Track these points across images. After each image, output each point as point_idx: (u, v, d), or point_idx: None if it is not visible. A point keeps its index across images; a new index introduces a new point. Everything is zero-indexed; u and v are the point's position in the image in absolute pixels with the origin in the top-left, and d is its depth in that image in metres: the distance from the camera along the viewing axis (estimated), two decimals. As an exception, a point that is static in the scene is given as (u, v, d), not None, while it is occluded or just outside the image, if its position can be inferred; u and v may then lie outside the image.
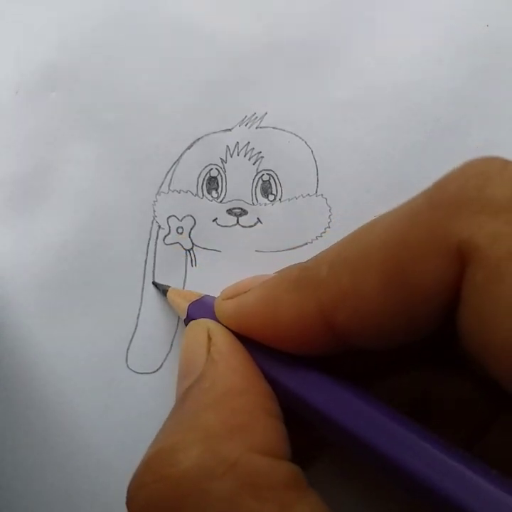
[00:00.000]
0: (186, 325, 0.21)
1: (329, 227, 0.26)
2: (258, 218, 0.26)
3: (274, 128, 0.27)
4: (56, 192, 0.27)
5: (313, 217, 0.26)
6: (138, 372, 0.25)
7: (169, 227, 0.26)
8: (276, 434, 0.15)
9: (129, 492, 0.16)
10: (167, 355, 0.25)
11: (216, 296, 0.20)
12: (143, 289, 0.26)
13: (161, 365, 0.25)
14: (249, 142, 0.26)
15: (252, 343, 0.17)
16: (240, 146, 0.26)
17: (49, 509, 0.25)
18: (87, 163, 0.27)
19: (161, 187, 0.26)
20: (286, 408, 0.17)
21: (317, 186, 0.26)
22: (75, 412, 0.25)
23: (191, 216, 0.26)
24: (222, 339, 0.18)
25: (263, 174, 0.26)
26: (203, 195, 0.26)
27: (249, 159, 0.26)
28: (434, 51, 0.27)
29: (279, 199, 0.26)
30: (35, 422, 0.25)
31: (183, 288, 0.26)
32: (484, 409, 0.15)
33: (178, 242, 0.26)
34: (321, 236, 0.26)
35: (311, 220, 0.26)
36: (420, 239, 0.14)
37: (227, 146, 0.26)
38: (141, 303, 0.26)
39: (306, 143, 0.26)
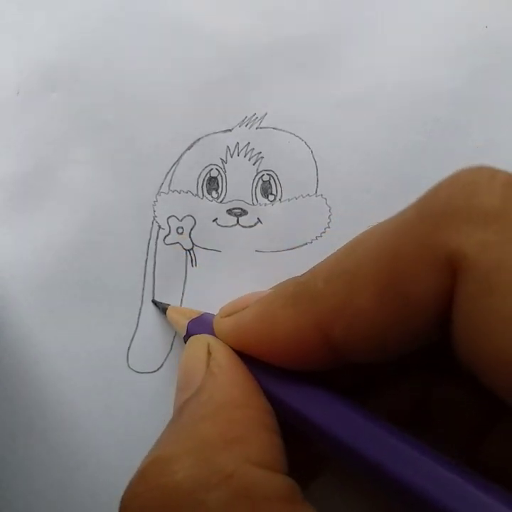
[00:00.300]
0: (185, 342, 0.21)
1: (329, 227, 0.26)
2: (258, 218, 0.26)
3: (274, 128, 0.27)
4: (56, 192, 0.27)
5: (313, 217, 0.26)
6: (138, 372, 0.25)
7: (169, 227, 0.26)
8: (272, 448, 0.15)
9: (122, 501, 0.15)
10: (168, 354, 0.26)
11: (215, 313, 0.20)
12: (143, 289, 0.26)
13: (162, 365, 0.26)
14: (249, 142, 0.26)
15: (251, 359, 0.18)
16: (240, 146, 0.26)
17: (49, 508, 0.25)
18: (87, 163, 0.27)
19: (161, 187, 0.26)
20: (286, 424, 0.17)
21: (317, 186, 0.26)
22: (75, 411, 0.25)
23: (191, 216, 0.26)
24: (222, 354, 0.18)
25: (263, 174, 0.26)
26: (203, 195, 0.26)
27: (250, 159, 0.26)
28: (434, 51, 0.27)
29: (279, 199, 0.26)
30: (36, 421, 0.25)
31: (184, 287, 0.26)
32: (484, 413, 0.15)
33: (178, 242, 0.26)
34: (321, 236, 0.26)
35: (311, 220, 0.26)
36: (411, 250, 0.14)
37: (228, 147, 0.26)
38: (141, 303, 0.26)
39: (306, 143, 0.26)
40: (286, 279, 0.19)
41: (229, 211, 0.26)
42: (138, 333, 0.26)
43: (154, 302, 0.26)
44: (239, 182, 0.26)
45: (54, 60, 0.28)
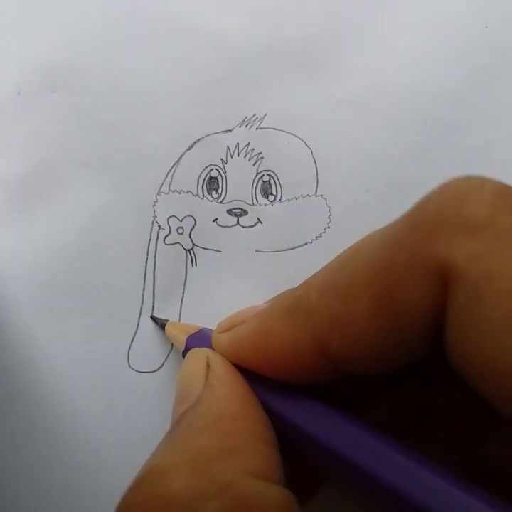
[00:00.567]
0: (184, 357, 0.21)
1: (329, 227, 0.26)
2: (258, 218, 0.26)
3: (274, 129, 0.27)
4: (57, 192, 0.27)
5: (313, 218, 0.26)
6: (139, 372, 0.26)
7: (169, 227, 0.26)
8: (270, 460, 0.15)
9: (117, 511, 0.15)
10: (168, 354, 0.26)
11: (214, 320, 0.20)
12: (143, 289, 0.26)
13: (162, 364, 0.26)
14: (249, 143, 0.26)
15: (249, 372, 0.18)
16: (240, 146, 0.26)
17: (50, 508, 0.25)
18: (87, 163, 0.27)
19: (161, 187, 0.26)
20: (285, 438, 0.17)
21: (317, 186, 0.26)
22: (76, 410, 0.25)
23: (191, 216, 0.26)
24: (221, 366, 0.18)
25: (263, 175, 0.26)
26: (203, 195, 0.26)
27: (250, 160, 0.26)
28: (434, 51, 0.27)
29: (279, 199, 0.26)
30: (37, 421, 0.25)
31: (184, 287, 0.26)
32: (483, 415, 0.15)
33: (178, 243, 0.26)
34: (321, 236, 0.26)
35: (311, 220, 0.26)
36: (403, 261, 0.14)
37: (228, 147, 0.27)
38: (142, 302, 0.26)
39: (305, 143, 0.26)
40: (284, 290, 0.19)
41: (229, 211, 0.26)
42: (138, 333, 0.26)
43: (153, 318, 0.26)
44: (239, 182, 0.26)
45: (54, 60, 0.28)
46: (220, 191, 0.26)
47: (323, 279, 0.16)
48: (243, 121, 0.27)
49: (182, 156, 0.27)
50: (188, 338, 0.22)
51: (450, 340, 0.14)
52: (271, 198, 0.26)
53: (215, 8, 0.28)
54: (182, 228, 0.26)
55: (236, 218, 0.26)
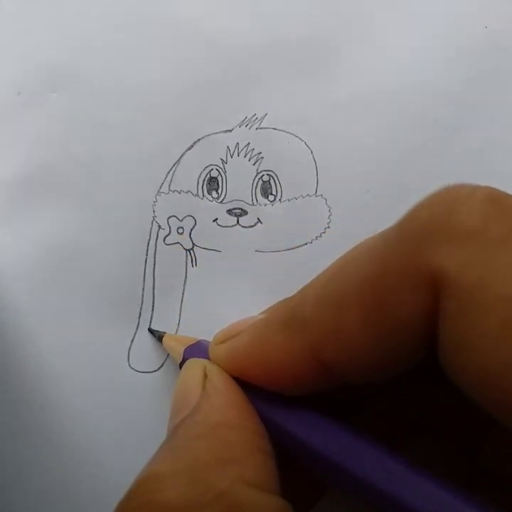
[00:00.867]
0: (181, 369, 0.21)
1: (329, 227, 0.26)
2: (258, 218, 0.26)
3: (274, 129, 0.27)
4: (56, 192, 0.27)
5: (313, 218, 0.26)
6: (139, 372, 0.26)
7: (169, 227, 0.26)
8: (265, 469, 0.15)
9: None
10: (168, 354, 0.26)
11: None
12: (143, 289, 0.26)
13: (163, 364, 0.26)
14: (249, 143, 0.26)
15: (246, 383, 0.18)
16: (240, 146, 0.26)
17: (50, 508, 0.25)
18: (87, 163, 0.27)
19: (161, 187, 0.27)
20: (284, 448, 0.17)
21: (317, 186, 0.26)
22: (76, 411, 0.25)
23: (191, 216, 0.26)
24: (218, 376, 0.18)
25: (263, 175, 0.26)
26: (203, 195, 0.26)
27: (250, 160, 0.26)
28: (433, 52, 0.27)
29: (279, 199, 0.26)
30: (37, 420, 0.25)
31: (184, 287, 0.26)
32: (482, 416, 0.15)
33: (178, 242, 0.26)
34: (321, 236, 0.26)
35: (311, 220, 0.26)
36: (395, 271, 0.14)
37: (228, 147, 0.27)
38: (142, 302, 0.26)
39: (306, 143, 0.26)
40: (280, 300, 0.19)
41: (229, 211, 0.26)
42: (138, 333, 0.26)
43: (150, 330, 0.26)
44: (239, 182, 0.26)
45: (54, 60, 0.28)
46: (220, 191, 0.26)
47: (317, 290, 0.16)
48: (243, 121, 0.27)
49: (182, 156, 0.27)
50: (185, 350, 0.22)
51: (442, 349, 0.14)
52: (271, 198, 0.26)
53: (215, 8, 0.28)
54: (182, 228, 0.26)
55: (236, 218, 0.26)
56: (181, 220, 0.26)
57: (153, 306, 0.26)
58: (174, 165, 0.27)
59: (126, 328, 0.26)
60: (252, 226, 0.26)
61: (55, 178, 0.27)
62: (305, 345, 0.16)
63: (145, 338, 0.26)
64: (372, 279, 0.15)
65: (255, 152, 0.26)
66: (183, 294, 0.26)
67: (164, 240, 0.26)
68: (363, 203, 0.26)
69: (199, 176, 0.26)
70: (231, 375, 0.18)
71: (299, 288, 0.18)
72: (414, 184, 0.26)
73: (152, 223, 0.26)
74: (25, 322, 0.26)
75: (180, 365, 0.21)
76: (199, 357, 0.20)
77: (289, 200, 0.26)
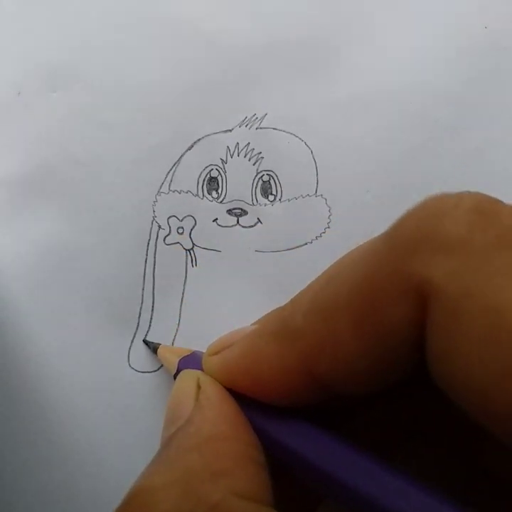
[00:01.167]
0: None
1: (329, 227, 0.26)
2: (258, 218, 0.26)
3: (274, 129, 0.27)
4: (56, 192, 0.27)
5: (313, 218, 0.26)
6: (139, 371, 0.26)
7: (169, 227, 0.26)
8: (259, 481, 0.15)
9: None
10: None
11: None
12: (143, 289, 0.26)
13: (163, 364, 0.26)
14: (249, 143, 0.26)
15: (240, 395, 0.18)
16: (240, 146, 0.26)
17: (50, 507, 0.25)
18: (86, 163, 0.27)
19: (161, 187, 0.27)
20: (279, 460, 0.17)
21: (317, 186, 0.26)
22: (76, 410, 0.25)
23: (191, 216, 0.26)
24: (211, 388, 0.18)
25: (263, 175, 0.26)
26: (203, 195, 0.26)
27: (250, 160, 0.26)
28: (433, 52, 0.27)
29: (279, 199, 0.26)
30: (37, 420, 0.25)
31: (184, 287, 0.26)
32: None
33: (178, 242, 0.26)
34: (321, 236, 0.26)
35: (311, 220, 0.26)
36: (383, 281, 0.14)
37: (228, 147, 0.27)
38: (141, 302, 0.26)
39: (305, 143, 0.26)
40: (272, 309, 0.19)
41: (229, 211, 0.26)
42: (138, 333, 0.26)
43: (145, 342, 0.26)
44: (239, 182, 0.26)
45: (54, 60, 0.28)
46: (220, 191, 0.26)
47: (308, 300, 0.16)
48: (243, 121, 0.27)
49: (182, 156, 0.27)
50: (179, 361, 0.22)
51: (430, 357, 0.14)
52: (271, 198, 0.26)
53: (215, 8, 0.28)
54: (182, 228, 0.26)
55: (236, 218, 0.26)
56: (181, 220, 0.26)
57: (153, 306, 0.26)
58: (174, 165, 0.27)
59: (126, 328, 0.26)
60: (252, 226, 0.26)
61: (55, 178, 0.27)
62: (296, 356, 0.16)
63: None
64: (362, 289, 0.15)
65: (255, 152, 0.26)
66: (183, 294, 0.26)
67: (164, 240, 0.26)
68: (363, 203, 0.26)
69: (199, 176, 0.26)
70: (224, 387, 0.18)
71: (299, 288, 0.18)
72: (414, 184, 0.26)
73: (152, 223, 0.26)
74: (25, 322, 0.26)
75: (175, 377, 0.21)
76: (193, 368, 0.20)
77: (289, 200, 0.26)
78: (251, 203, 0.26)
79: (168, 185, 0.26)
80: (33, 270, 0.26)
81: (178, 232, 0.26)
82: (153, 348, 0.25)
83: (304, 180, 0.26)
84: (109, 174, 0.27)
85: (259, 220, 0.26)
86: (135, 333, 0.26)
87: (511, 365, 0.12)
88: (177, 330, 0.26)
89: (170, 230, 0.26)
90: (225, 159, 0.26)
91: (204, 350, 0.20)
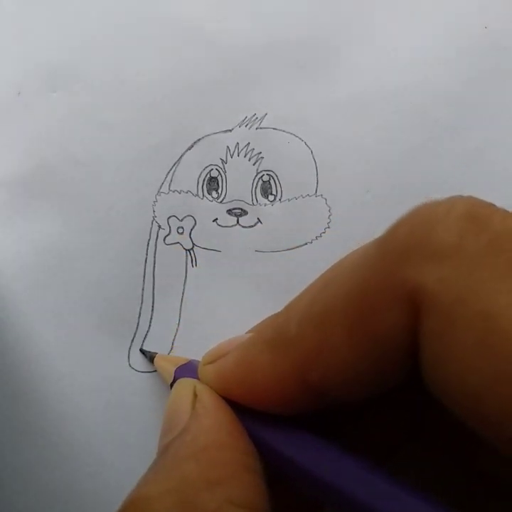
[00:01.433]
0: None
1: (329, 227, 0.26)
2: (258, 218, 0.26)
3: (274, 129, 0.27)
4: (56, 192, 0.27)
5: (313, 218, 0.26)
6: (139, 371, 0.26)
7: (169, 227, 0.26)
8: (255, 489, 0.15)
9: None
10: (169, 353, 0.26)
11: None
12: (143, 289, 0.26)
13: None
14: (249, 143, 0.26)
15: (237, 404, 0.18)
16: (240, 146, 0.26)
17: (50, 508, 0.25)
18: (87, 163, 0.27)
19: (161, 187, 0.27)
20: (277, 469, 0.17)
21: (317, 186, 0.26)
22: (76, 410, 0.25)
23: (191, 216, 0.26)
24: (208, 396, 0.18)
25: (263, 174, 0.26)
26: (203, 195, 0.26)
27: (250, 160, 0.26)
28: (433, 52, 0.27)
29: (279, 199, 0.26)
30: (37, 420, 0.25)
31: (184, 287, 0.26)
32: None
33: (178, 242, 0.26)
34: (321, 236, 0.26)
35: (311, 220, 0.26)
36: (375, 288, 0.14)
37: (228, 147, 0.27)
38: (141, 302, 0.26)
39: (305, 143, 0.26)
40: (266, 319, 0.19)
41: (229, 211, 0.26)
42: (138, 333, 0.26)
43: (142, 351, 0.26)
44: (239, 182, 0.26)
45: (54, 60, 0.28)
46: (220, 191, 0.26)
47: (301, 309, 0.16)
48: (243, 121, 0.27)
49: (182, 156, 0.27)
50: (176, 370, 0.22)
51: (424, 366, 0.14)
52: (271, 198, 0.26)
53: (215, 8, 0.28)
54: (182, 228, 0.26)
55: (236, 218, 0.26)
56: (181, 220, 0.26)
57: (153, 306, 0.26)
58: (174, 165, 0.27)
59: (126, 328, 0.26)
60: (252, 226, 0.26)
61: (55, 178, 0.27)
62: (290, 365, 0.16)
63: (145, 338, 0.26)
64: (355, 297, 0.15)
65: (255, 152, 0.26)
66: (183, 294, 0.26)
67: (164, 240, 0.26)
68: (363, 203, 0.26)
69: (199, 176, 0.26)
70: (220, 395, 0.18)
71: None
72: (414, 184, 0.26)
73: (152, 223, 0.26)
74: (25, 322, 0.26)
75: (171, 386, 0.21)
76: (190, 377, 0.20)
77: (289, 200, 0.26)
78: (251, 203, 0.26)
79: (168, 185, 0.26)
80: (33, 270, 0.26)
81: (178, 232, 0.26)
82: (149, 357, 0.25)
83: (304, 180, 0.26)
84: (109, 174, 0.27)
85: (259, 220, 0.26)
86: (135, 333, 0.26)
87: (503, 369, 0.12)
88: (177, 330, 0.26)
89: (170, 230, 0.26)
90: (225, 159, 0.26)
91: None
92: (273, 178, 0.26)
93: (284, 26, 0.27)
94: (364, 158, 0.26)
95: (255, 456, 0.17)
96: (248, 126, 0.27)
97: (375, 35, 0.27)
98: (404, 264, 0.14)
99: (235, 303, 0.26)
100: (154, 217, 0.26)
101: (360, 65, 0.27)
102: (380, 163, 0.26)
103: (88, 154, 0.27)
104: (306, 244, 0.26)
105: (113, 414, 0.25)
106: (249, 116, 0.27)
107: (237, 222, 0.26)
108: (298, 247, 0.26)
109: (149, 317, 0.26)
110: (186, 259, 0.26)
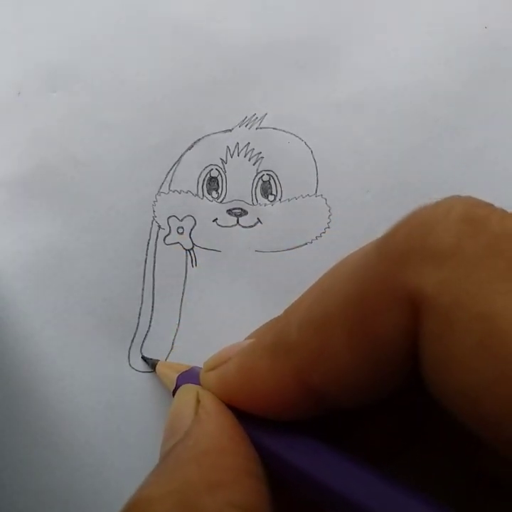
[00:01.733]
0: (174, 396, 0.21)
1: (329, 227, 0.26)
2: (258, 218, 0.26)
3: (274, 128, 0.27)
4: (56, 192, 0.27)
5: (313, 217, 0.26)
6: (139, 371, 0.26)
7: (169, 227, 0.26)
8: (256, 494, 0.15)
9: None
10: (168, 353, 0.26)
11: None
12: (143, 289, 0.26)
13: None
14: (249, 143, 0.26)
15: (239, 410, 0.18)
16: (240, 146, 0.26)
17: (50, 508, 0.25)
18: (87, 163, 0.27)
19: (161, 187, 0.27)
20: (278, 474, 0.17)
21: (317, 186, 0.26)
22: (76, 410, 0.25)
23: (191, 216, 0.26)
24: (210, 402, 0.18)
25: (263, 174, 0.26)
26: (203, 195, 0.26)
27: (250, 160, 0.26)
28: (433, 52, 0.27)
29: (279, 199, 0.26)
30: (37, 420, 0.25)
31: (184, 287, 0.26)
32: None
33: (178, 242, 0.26)
34: (321, 236, 0.26)
35: (311, 220, 0.26)
36: (374, 291, 0.14)
37: (228, 147, 0.27)
38: (141, 302, 0.26)
39: (305, 143, 0.26)
40: (266, 323, 0.19)
41: (229, 211, 0.26)
42: (138, 333, 0.26)
43: (143, 358, 0.26)
44: (239, 182, 0.26)
45: (54, 60, 0.28)
46: (220, 191, 0.26)
47: (301, 313, 0.16)
48: (243, 121, 0.27)
49: (182, 156, 0.27)
50: (178, 377, 0.22)
51: (424, 368, 0.14)
52: (271, 198, 0.26)
53: (215, 8, 0.28)
54: (182, 228, 0.26)
55: (236, 218, 0.26)
56: (181, 220, 0.26)
57: (153, 306, 0.26)
58: (174, 165, 0.27)
59: (126, 328, 0.26)
60: (252, 226, 0.26)
61: (55, 178, 0.27)
62: (291, 371, 0.16)
63: (145, 338, 0.26)
64: (354, 301, 0.15)
65: (255, 152, 0.26)
66: (183, 294, 0.26)
67: (164, 240, 0.26)
68: (363, 203, 0.26)
69: (199, 176, 0.26)
70: (223, 401, 0.18)
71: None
72: (414, 184, 0.26)
73: (152, 223, 0.26)
74: (25, 322, 0.26)
75: (174, 393, 0.21)
76: (192, 383, 0.20)
77: (289, 200, 0.26)
78: (251, 203, 0.26)
79: (168, 185, 0.26)
80: (33, 270, 0.26)
81: (178, 232, 0.26)
82: (151, 364, 0.25)
83: (304, 180, 0.26)
84: (109, 174, 0.27)
85: (259, 220, 0.26)
86: (135, 333, 0.26)
87: (502, 370, 0.12)
88: (177, 330, 0.26)
89: (170, 230, 0.26)
90: (225, 159, 0.26)
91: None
92: (273, 178, 0.26)
93: (284, 26, 0.27)
94: (364, 158, 0.26)
95: (257, 461, 0.17)
96: (248, 126, 0.27)
97: (375, 35, 0.27)
98: (403, 267, 0.14)
99: (234, 303, 0.26)
100: (154, 217, 0.26)
101: (360, 65, 0.27)
102: (380, 163, 0.26)
103: (88, 154, 0.27)
104: (306, 244, 0.26)
105: (113, 414, 0.25)
106: (249, 116, 0.27)
107: (237, 222, 0.26)
108: (298, 247, 0.26)
109: (149, 317, 0.26)
110: (186, 259, 0.26)
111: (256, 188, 0.26)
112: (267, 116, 0.27)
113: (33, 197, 0.27)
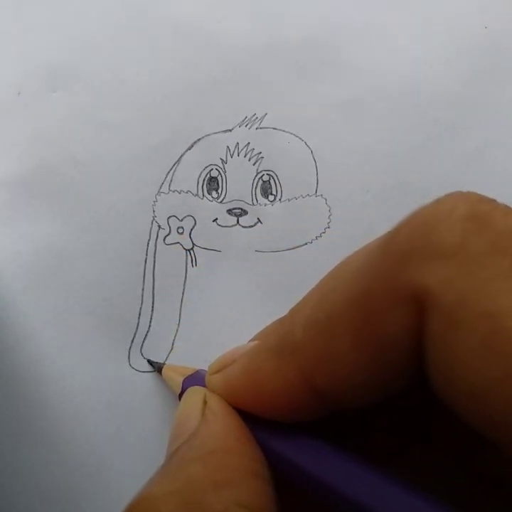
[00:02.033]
0: (180, 400, 0.21)
1: (329, 227, 0.26)
2: (258, 218, 0.26)
3: (274, 128, 0.27)
4: (56, 192, 0.27)
5: (313, 217, 0.26)
6: (139, 371, 0.26)
7: (169, 227, 0.26)
8: (262, 494, 0.15)
9: None
10: (169, 353, 0.26)
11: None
12: (143, 289, 0.26)
13: (163, 364, 0.26)
14: (249, 143, 0.26)
15: (245, 412, 0.18)
16: (240, 146, 0.26)
17: (50, 508, 0.25)
18: (87, 163, 0.27)
19: (161, 187, 0.27)
20: (285, 476, 0.17)
21: (317, 186, 0.26)
22: (76, 410, 0.25)
23: (191, 216, 0.26)
24: (217, 403, 0.18)
25: (263, 174, 0.26)
26: (203, 195, 0.26)
27: (250, 160, 0.26)
28: (433, 52, 0.27)
29: (279, 199, 0.26)
30: (37, 421, 0.25)
31: (184, 287, 0.26)
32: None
33: (178, 242, 0.26)
34: (321, 236, 0.26)
35: (311, 220, 0.26)
36: (378, 290, 0.14)
37: (228, 147, 0.27)
38: (141, 302, 0.26)
39: (306, 143, 0.26)
40: (270, 324, 0.19)
41: (229, 211, 0.26)
42: (138, 333, 0.26)
43: (149, 362, 0.26)
44: (239, 182, 0.26)
45: (54, 60, 0.28)
46: (220, 191, 0.26)
47: (306, 314, 0.16)
48: (243, 121, 0.27)
49: (182, 156, 0.27)
50: (184, 381, 0.22)
51: (429, 367, 0.14)
52: (271, 197, 0.26)
53: (215, 8, 0.28)
54: (182, 228, 0.26)
55: (236, 218, 0.26)
56: (181, 220, 0.26)
57: (153, 306, 0.26)
58: (174, 165, 0.27)
59: (126, 328, 0.26)
60: (252, 226, 0.26)
61: (55, 178, 0.27)
62: (296, 372, 0.16)
63: (145, 338, 0.26)
64: (359, 301, 0.15)
65: (255, 152, 0.26)
66: (183, 294, 0.26)
67: (164, 240, 0.26)
68: (363, 203, 0.26)
69: (199, 176, 0.27)
70: (229, 404, 0.18)
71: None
72: (414, 184, 0.26)
73: (152, 223, 0.26)
74: (25, 322, 0.26)
75: (180, 396, 0.21)
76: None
77: (289, 200, 0.26)
78: (251, 203, 0.26)
79: (168, 185, 0.26)
80: (33, 270, 0.26)
81: (178, 232, 0.26)
82: (157, 367, 0.25)
83: (304, 180, 0.26)
84: (109, 174, 0.27)
85: (259, 220, 0.26)
86: (135, 333, 0.26)
87: (507, 369, 0.12)
88: (177, 330, 0.26)
89: (170, 230, 0.26)
90: (225, 159, 0.26)
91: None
92: (273, 178, 0.26)
93: (284, 26, 0.27)
94: (364, 158, 0.26)
95: (263, 463, 0.17)
96: (248, 126, 0.27)
97: (375, 35, 0.27)
98: (407, 266, 0.14)
99: (234, 303, 0.26)
100: (154, 217, 0.26)
101: (360, 65, 0.27)
102: (380, 163, 0.26)
103: (88, 154, 0.27)
104: (306, 244, 0.26)
105: (113, 414, 0.25)
106: (249, 116, 0.27)
107: (237, 222, 0.26)
108: (298, 247, 0.26)
109: (149, 317, 0.26)
110: (186, 259, 0.26)
111: (256, 188, 0.26)
112: (267, 116, 0.27)
113: (33, 197, 0.27)
